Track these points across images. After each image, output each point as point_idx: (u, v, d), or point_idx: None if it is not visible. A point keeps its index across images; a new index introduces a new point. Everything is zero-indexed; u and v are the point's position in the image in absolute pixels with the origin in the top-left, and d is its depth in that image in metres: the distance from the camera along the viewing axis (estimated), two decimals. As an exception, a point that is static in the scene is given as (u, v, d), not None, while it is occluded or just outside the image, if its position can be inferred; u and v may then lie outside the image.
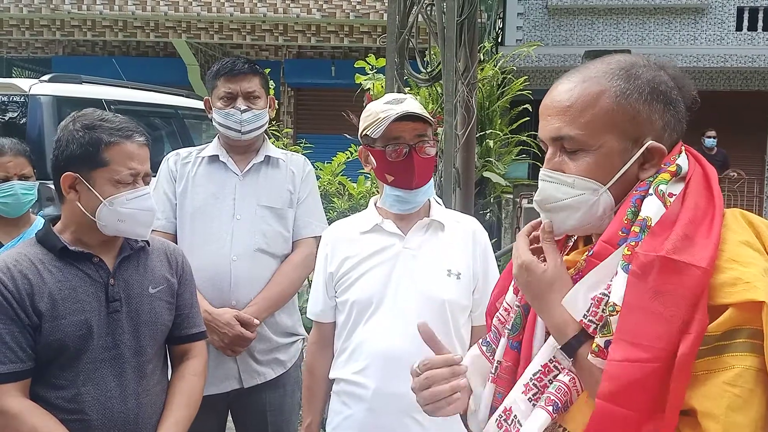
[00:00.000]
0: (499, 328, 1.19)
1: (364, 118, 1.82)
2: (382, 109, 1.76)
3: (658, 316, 0.89)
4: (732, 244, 0.93)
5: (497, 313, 1.21)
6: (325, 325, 1.90)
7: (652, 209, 0.96)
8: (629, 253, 0.94)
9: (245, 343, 2.17)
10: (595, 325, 0.97)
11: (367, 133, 1.78)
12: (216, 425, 2.31)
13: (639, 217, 0.96)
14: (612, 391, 0.90)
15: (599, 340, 0.94)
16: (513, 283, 1.17)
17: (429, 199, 1.88)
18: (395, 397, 1.70)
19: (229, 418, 2.37)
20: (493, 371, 1.16)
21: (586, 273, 1.01)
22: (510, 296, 1.18)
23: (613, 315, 0.93)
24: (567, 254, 1.12)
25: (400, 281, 1.77)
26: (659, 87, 1.01)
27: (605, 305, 0.95)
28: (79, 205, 1.62)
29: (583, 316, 0.98)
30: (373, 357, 1.75)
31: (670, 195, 0.97)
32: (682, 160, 1.01)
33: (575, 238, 1.15)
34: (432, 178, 1.85)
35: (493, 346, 1.20)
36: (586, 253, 1.05)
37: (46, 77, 5.09)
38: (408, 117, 1.73)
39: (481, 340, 1.27)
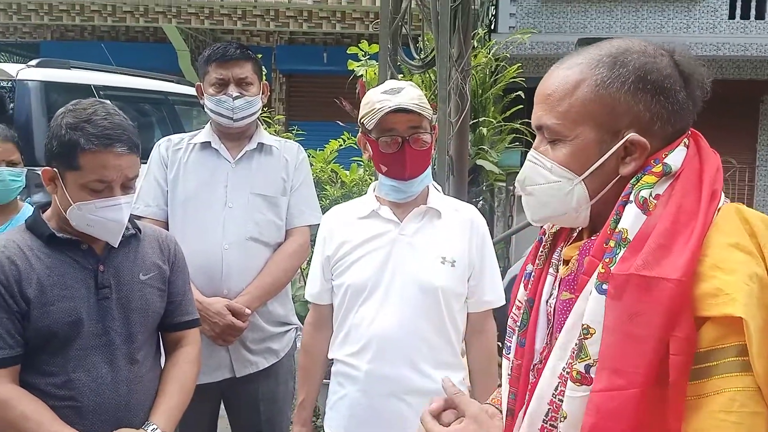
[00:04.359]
0: (513, 327, 1.15)
1: (363, 105, 1.82)
2: (378, 98, 1.76)
3: (633, 338, 0.84)
4: (718, 247, 0.86)
5: (511, 313, 1.17)
6: (322, 306, 1.93)
7: (629, 220, 0.91)
8: (603, 271, 0.90)
9: (236, 332, 2.15)
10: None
11: (364, 122, 1.79)
12: (208, 414, 2.30)
13: (617, 229, 0.91)
14: (593, 424, 0.86)
15: (578, 366, 0.90)
16: (523, 279, 1.15)
17: (428, 186, 1.89)
18: (386, 380, 1.76)
19: (222, 407, 2.36)
20: (509, 372, 1.12)
21: (579, 280, 0.97)
22: (521, 292, 1.14)
23: (587, 338, 0.90)
24: (568, 244, 1.09)
25: (396, 267, 1.79)
26: (648, 76, 0.94)
27: (581, 329, 0.91)
28: (55, 198, 1.61)
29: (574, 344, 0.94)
30: (367, 340, 1.78)
31: (656, 197, 0.91)
32: (674, 157, 0.94)
33: (579, 229, 1.10)
34: (429, 167, 1.85)
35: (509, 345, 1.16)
36: (577, 252, 1.01)
37: (33, 62, 5.02)
38: (402, 109, 1.72)
39: (505, 349, 1.22)
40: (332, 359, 1.91)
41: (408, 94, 1.76)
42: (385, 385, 1.77)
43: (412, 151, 1.76)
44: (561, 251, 1.09)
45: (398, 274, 1.78)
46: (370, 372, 1.77)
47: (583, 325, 0.91)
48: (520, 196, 1.09)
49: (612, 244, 0.91)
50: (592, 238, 1.00)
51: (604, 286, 0.89)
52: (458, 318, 1.84)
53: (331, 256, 1.87)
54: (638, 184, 0.93)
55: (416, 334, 1.77)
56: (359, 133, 1.87)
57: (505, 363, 1.17)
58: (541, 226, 1.17)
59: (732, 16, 11.06)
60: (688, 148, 0.96)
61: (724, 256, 0.85)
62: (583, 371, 0.90)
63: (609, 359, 0.86)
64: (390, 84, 1.83)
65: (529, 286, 1.12)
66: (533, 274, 1.13)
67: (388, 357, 1.76)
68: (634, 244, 0.89)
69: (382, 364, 1.76)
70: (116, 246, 1.66)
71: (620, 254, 0.90)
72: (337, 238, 1.87)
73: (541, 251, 1.13)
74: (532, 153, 1.04)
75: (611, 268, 0.89)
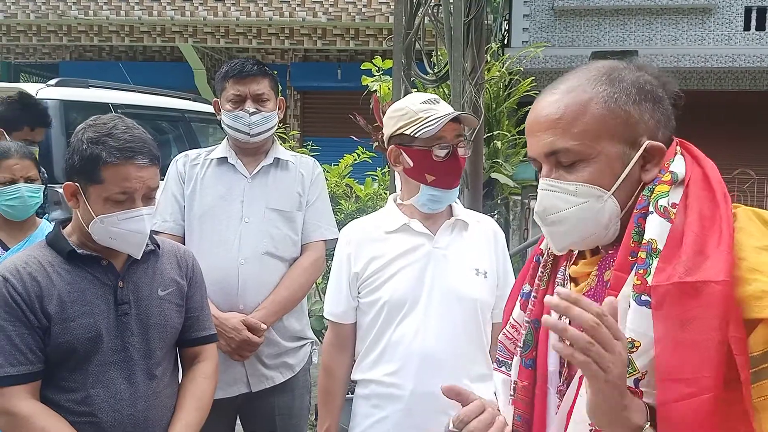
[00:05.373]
0: (508, 346, 1.15)
1: (398, 117, 1.78)
2: (421, 108, 1.75)
3: (694, 344, 0.84)
4: (751, 251, 0.88)
5: (503, 330, 1.17)
6: (345, 326, 1.88)
7: (655, 229, 0.92)
8: (639, 282, 0.90)
9: (252, 348, 2.15)
10: None
11: (405, 133, 1.75)
12: (225, 429, 2.30)
13: (644, 240, 0.92)
14: None
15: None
16: (519, 298, 1.14)
17: None
18: (432, 396, 1.68)
19: (238, 422, 2.36)
20: (512, 393, 1.11)
21: (605, 296, 0.95)
22: (517, 312, 1.14)
23: (633, 351, 0.88)
24: (574, 263, 1.08)
25: (434, 281, 1.76)
26: (645, 86, 0.99)
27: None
28: (77, 213, 1.62)
29: None
30: (409, 357, 1.74)
31: (673, 206, 0.93)
32: (677, 165, 0.97)
33: None
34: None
35: (508, 362, 1.15)
36: (595, 268, 1.01)
37: (53, 82, 5.11)
38: (459, 116, 1.74)
39: (495, 362, 1.21)
40: (355, 380, 1.85)
41: (446, 104, 1.78)
42: (431, 402, 1.69)
43: (461, 158, 1.77)
44: (566, 270, 1.08)
45: (436, 287, 1.76)
46: (416, 390, 1.73)
47: (627, 338, 0.89)
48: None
49: (643, 255, 0.92)
50: (610, 252, 1.01)
51: (644, 298, 0.89)
52: (488, 329, 1.83)
53: (360, 272, 1.82)
54: (653, 194, 0.95)
55: (457, 348, 1.75)
56: (391, 146, 1.81)
57: (498, 377, 1.16)
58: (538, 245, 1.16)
59: (747, 28, 11.02)
60: (684, 156, 0.99)
61: (759, 260, 0.87)
62: (632, 386, 0.89)
63: (669, 370, 0.85)
64: (424, 95, 1.82)
65: (530, 307, 1.11)
66: (534, 295, 1.11)
67: (433, 373, 1.71)
68: (666, 253, 0.90)
69: (427, 381, 1.71)
70: (139, 258, 1.67)
71: (654, 264, 0.90)
72: (366, 255, 1.82)
73: (542, 271, 1.12)
74: (545, 182, 1.02)
75: (647, 279, 0.89)
